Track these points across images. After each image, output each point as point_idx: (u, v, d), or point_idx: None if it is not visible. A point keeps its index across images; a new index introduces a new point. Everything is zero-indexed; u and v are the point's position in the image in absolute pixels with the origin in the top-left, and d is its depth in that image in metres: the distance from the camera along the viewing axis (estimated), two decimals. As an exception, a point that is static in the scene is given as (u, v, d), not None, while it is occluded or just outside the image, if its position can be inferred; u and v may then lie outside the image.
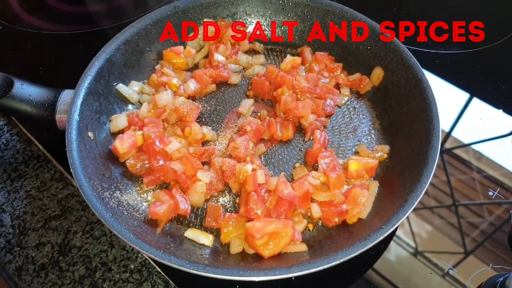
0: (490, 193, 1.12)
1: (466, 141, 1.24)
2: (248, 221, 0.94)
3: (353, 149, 1.15)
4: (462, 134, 1.26)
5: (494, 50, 1.48)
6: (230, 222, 0.96)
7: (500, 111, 1.32)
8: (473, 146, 1.23)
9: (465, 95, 1.36)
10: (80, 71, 1.10)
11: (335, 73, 1.29)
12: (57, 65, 1.40)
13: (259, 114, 1.21)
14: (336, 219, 0.98)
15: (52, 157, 1.16)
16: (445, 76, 1.40)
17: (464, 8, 1.68)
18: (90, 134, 1.05)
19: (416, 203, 0.89)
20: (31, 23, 1.55)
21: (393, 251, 1.01)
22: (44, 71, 1.37)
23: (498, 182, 1.14)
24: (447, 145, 1.23)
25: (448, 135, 1.26)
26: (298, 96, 1.20)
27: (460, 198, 1.11)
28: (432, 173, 0.93)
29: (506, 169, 1.18)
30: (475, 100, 1.35)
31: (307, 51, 1.33)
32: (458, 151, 1.22)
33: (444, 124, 1.20)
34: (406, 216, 0.88)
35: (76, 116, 1.02)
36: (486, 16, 1.64)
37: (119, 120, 1.12)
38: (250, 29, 1.39)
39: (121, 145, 1.05)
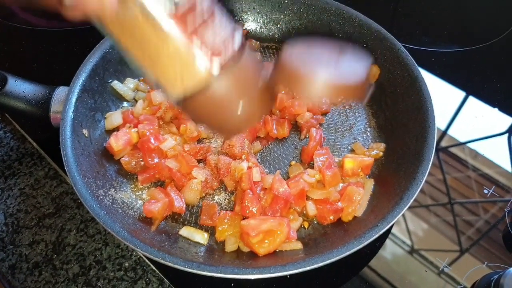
0: (485, 191, 1.12)
1: (461, 140, 1.24)
2: (244, 219, 0.94)
3: (349, 147, 1.15)
4: (457, 132, 1.26)
5: (490, 49, 1.48)
6: (225, 220, 0.96)
7: (496, 109, 1.32)
8: (469, 145, 1.23)
9: (461, 94, 1.36)
10: (75, 68, 1.09)
11: (331, 71, 1.28)
12: (51, 62, 1.39)
13: (255, 111, 1.20)
14: (332, 217, 0.98)
15: (46, 154, 1.15)
16: (441, 74, 1.40)
17: (460, 7, 1.68)
18: (85, 131, 1.04)
19: (411, 201, 0.89)
20: (26, 20, 1.54)
21: (389, 249, 1.01)
22: (38, 68, 1.36)
23: (493, 180, 1.15)
24: (443, 144, 1.23)
25: (444, 133, 1.26)
26: (294, 94, 1.19)
27: (455, 196, 1.11)
28: (428, 171, 0.93)
29: (502, 167, 1.18)
30: (471, 98, 1.35)
31: (303, 48, 1.32)
32: (453, 150, 1.22)
33: (440, 122, 1.21)
34: (401, 214, 0.87)
35: (70, 113, 1.01)
36: (482, 15, 1.65)
37: (114, 118, 1.11)
38: (246, 26, 1.39)
39: (116, 142, 1.04)
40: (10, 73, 1.06)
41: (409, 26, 1.57)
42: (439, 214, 1.08)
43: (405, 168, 0.99)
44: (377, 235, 0.85)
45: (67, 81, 1.06)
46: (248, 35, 1.38)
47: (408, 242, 1.03)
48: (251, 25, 1.39)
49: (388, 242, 1.02)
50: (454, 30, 1.55)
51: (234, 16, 1.38)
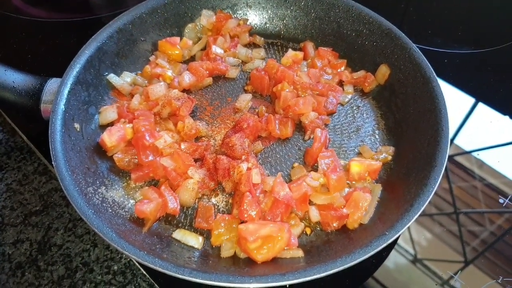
0: (501, 201, 1.06)
1: (469, 148, 1.18)
2: (241, 223, 0.88)
3: (356, 150, 1.09)
4: (466, 140, 1.20)
5: (506, 51, 1.42)
6: (222, 224, 0.90)
7: (507, 117, 1.26)
8: (477, 153, 1.17)
9: (471, 100, 1.30)
10: (71, 60, 1.03)
11: (339, 70, 1.23)
12: (47, 53, 1.34)
13: (257, 110, 1.15)
14: (336, 224, 0.92)
15: (37, 149, 1.09)
16: (453, 77, 1.34)
17: (475, 6, 1.62)
18: (77, 125, 0.99)
19: (422, 208, 0.84)
20: (24, 10, 1.49)
21: (392, 258, 0.96)
22: (33, 59, 1.32)
23: (499, 190, 1.09)
24: (450, 152, 1.17)
25: (451, 141, 1.20)
26: (299, 92, 1.14)
27: (461, 206, 1.06)
28: (440, 177, 0.88)
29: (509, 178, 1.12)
30: (482, 104, 1.29)
31: (309, 46, 1.27)
32: (460, 158, 1.17)
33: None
34: (411, 222, 0.82)
35: (61, 106, 0.96)
36: (498, 14, 1.58)
37: (109, 112, 1.06)
38: (251, 21, 1.33)
39: (109, 138, 0.99)
40: (3, 63, 1.01)
41: (420, 25, 1.51)
42: (443, 223, 1.02)
43: (416, 173, 0.93)
44: (384, 244, 0.79)
45: (62, 73, 1.01)
46: (252, 31, 1.33)
47: (412, 251, 0.97)
48: (255, 20, 1.34)
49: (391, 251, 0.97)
50: (468, 31, 1.49)
51: (238, 10, 1.33)
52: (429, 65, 1.06)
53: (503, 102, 1.29)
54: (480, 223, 1.03)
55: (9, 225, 0.96)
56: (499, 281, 0.93)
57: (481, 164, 1.15)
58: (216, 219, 0.91)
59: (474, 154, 1.17)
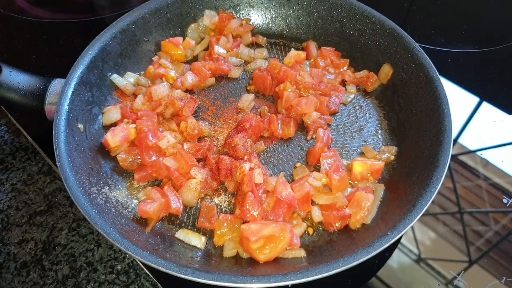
0: (505, 201, 1.05)
1: (474, 147, 1.18)
2: (244, 223, 0.88)
3: (358, 150, 1.09)
4: (470, 139, 1.19)
5: (510, 50, 1.41)
6: (225, 224, 0.90)
7: (511, 116, 1.25)
8: (482, 152, 1.16)
9: (476, 98, 1.29)
10: (75, 61, 1.04)
11: (341, 70, 1.23)
12: (51, 54, 1.35)
13: (259, 110, 1.15)
14: (338, 224, 0.92)
15: (41, 149, 1.10)
16: (456, 76, 1.33)
17: (479, 5, 1.61)
18: (80, 125, 0.99)
19: (425, 208, 0.83)
20: (28, 11, 1.50)
21: (395, 258, 0.96)
22: (37, 60, 1.32)
23: (503, 190, 1.08)
24: (454, 151, 1.17)
25: (455, 140, 1.19)
26: (301, 92, 1.14)
27: (465, 205, 1.06)
28: (443, 177, 0.87)
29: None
30: (486, 104, 1.28)
31: (312, 45, 1.27)
32: (464, 157, 1.16)
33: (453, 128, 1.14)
34: (414, 222, 0.81)
35: (65, 106, 0.96)
36: (502, 13, 1.57)
37: (112, 113, 1.07)
38: (253, 21, 1.33)
39: (113, 138, 0.99)
40: (8, 64, 1.02)
41: (423, 24, 1.50)
42: (447, 223, 1.02)
43: (418, 173, 0.93)
44: (387, 245, 0.79)
45: (65, 74, 1.02)
46: (255, 31, 1.33)
47: (415, 251, 0.97)
48: (258, 20, 1.34)
49: (395, 251, 0.97)
50: (471, 30, 1.48)
51: (241, 10, 1.33)
52: (432, 64, 1.06)
53: (507, 101, 1.29)
54: (484, 223, 1.03)
55: (14, 225, 0.97)
56: (502, 281, 0.92)
57: (486, 163, 1.15)
58: (219, 219, 0.91)
59: (478, 153, 1.17)
